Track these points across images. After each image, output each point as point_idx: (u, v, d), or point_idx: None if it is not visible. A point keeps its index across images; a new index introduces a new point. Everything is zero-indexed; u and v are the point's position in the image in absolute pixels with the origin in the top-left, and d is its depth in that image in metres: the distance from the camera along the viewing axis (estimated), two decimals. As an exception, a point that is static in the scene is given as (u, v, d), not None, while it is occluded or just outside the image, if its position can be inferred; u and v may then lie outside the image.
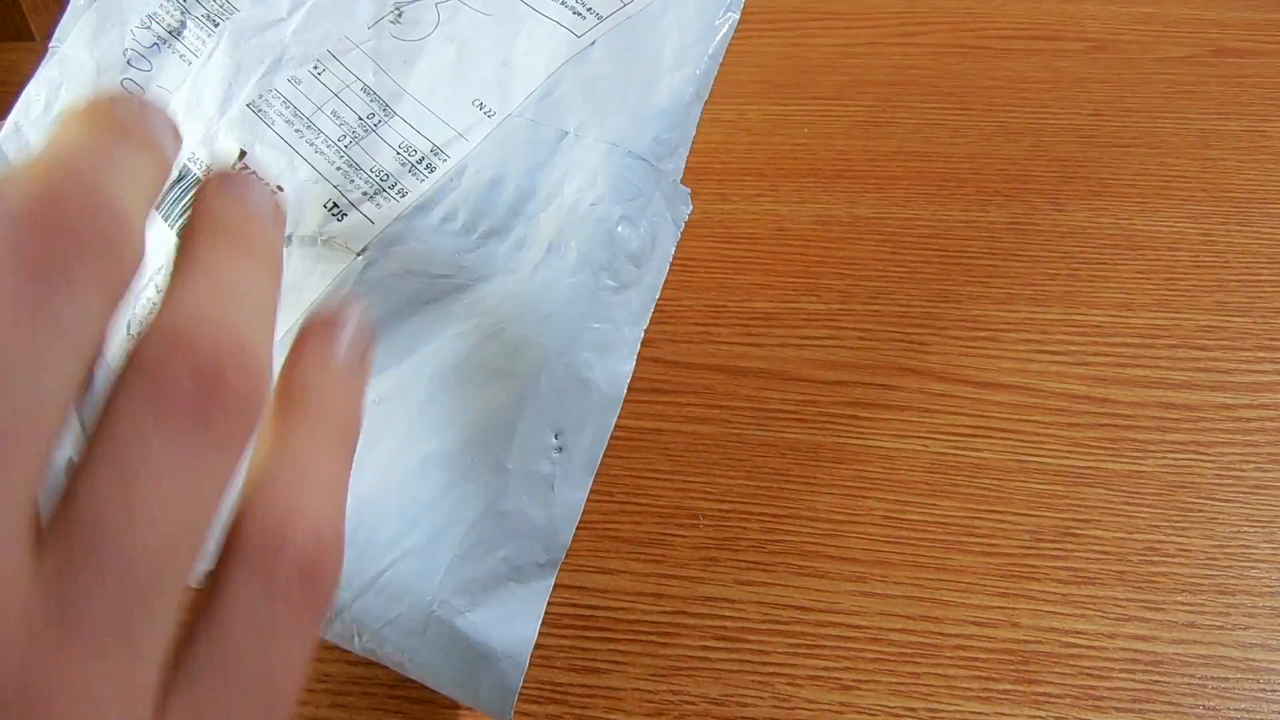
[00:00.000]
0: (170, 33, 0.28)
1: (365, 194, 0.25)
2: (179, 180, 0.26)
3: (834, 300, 0.36)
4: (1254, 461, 0.29)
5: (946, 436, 0.30)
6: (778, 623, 0.25)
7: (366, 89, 0.26)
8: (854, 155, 0.44)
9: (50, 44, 0.29)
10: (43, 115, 0.28)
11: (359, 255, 0.24)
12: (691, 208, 0.25)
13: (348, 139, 0.25)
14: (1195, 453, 0.29)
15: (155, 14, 0.29)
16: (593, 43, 0.26)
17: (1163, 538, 0.27)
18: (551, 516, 0.22)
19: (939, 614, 0.25)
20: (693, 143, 0.30)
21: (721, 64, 0.49)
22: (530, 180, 0.24)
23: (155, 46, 0.28)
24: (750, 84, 0.50)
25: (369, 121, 0.26)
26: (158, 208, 0.26)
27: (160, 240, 0.25)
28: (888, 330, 0.34)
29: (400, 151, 0.25)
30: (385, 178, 0.25)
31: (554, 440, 0.22)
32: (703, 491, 0.28)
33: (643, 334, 0.24)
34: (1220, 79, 0.49)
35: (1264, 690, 0.23)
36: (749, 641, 0.25)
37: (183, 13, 0.29)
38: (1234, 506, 0.28)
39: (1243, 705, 0.23)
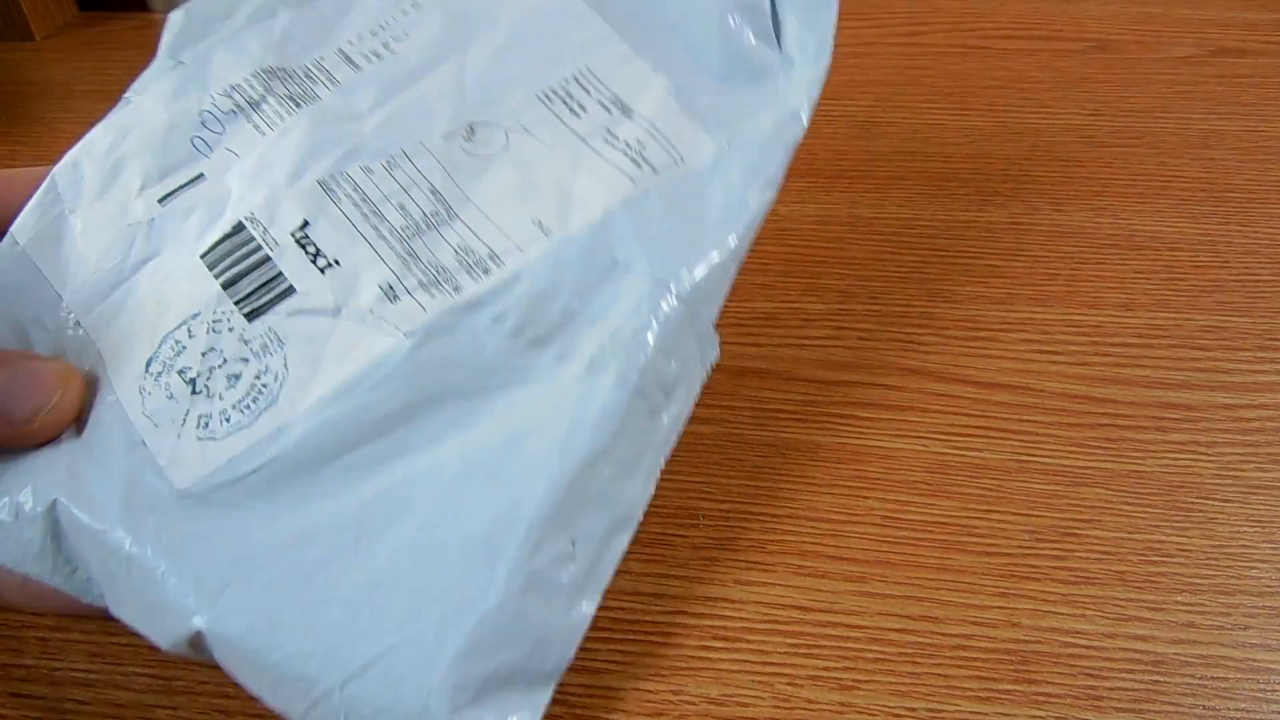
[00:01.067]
0: (250, 104, 0.29)
1: (421, 283, 0.25)
2: (233, 234, 0.26)
3: (834, 300, 0.36)
4: (1254, 461, 0.29)
5: (946, 436, 0.30)
6: (778, 623, 0.25)
7: (434, 190, 0.27)
8: (854, 155, 0.44)
9: (126, 94, 0.30)
10: (105, 156, 0.28)
11: (407, 337, 0.24)
12: (719, 354, 0.26)
13: (410, 230, 0.26)
14: (1195, 453, 0.29)
15: (239, 85, 0.30)
16: (647, 191, 0.27)
17: (1163, 538, 0.27)
18: (560, 626, 0.22)
19: (939, 614, 0.25)
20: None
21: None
22: (579, 300, 0.25)
23: (232, 114, 0.29)
24: (750, 84, 0.50)
25: (432, 219, 0.27)
26: (204, 255, 0.26)
27: (200, 289, 0.25)
28: (888, 330, 0.34)
29: (459, 251, 0.26)
30: (442, 271, 0.26)
31: (571, 549, 0.22)
32: (703, 491, 0.28)
33: (664, 464, 0.24)
34: (1220, 79, 0.49)
35: (1264, 690, 0.23)
36: (749, 641, 0.25)
37: (266, 89, 0.30)
38: (1234, 506, 0.28)
39: (1243, 705, 0.23)
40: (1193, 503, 0.28)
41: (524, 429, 0.24)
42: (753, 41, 0.31)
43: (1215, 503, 0.28)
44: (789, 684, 0.24)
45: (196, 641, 0.21)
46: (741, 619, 0.25)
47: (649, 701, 0.24)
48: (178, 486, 0.23)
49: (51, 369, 0.24)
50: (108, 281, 0.26)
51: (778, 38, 0.31)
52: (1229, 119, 0.45)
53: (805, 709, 0.23)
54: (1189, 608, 0.25)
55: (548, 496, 0.23)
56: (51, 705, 0.24)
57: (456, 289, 0.25)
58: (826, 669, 0.24)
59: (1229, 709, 0.23)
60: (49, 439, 0.24)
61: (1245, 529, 0.27)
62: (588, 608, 0.22)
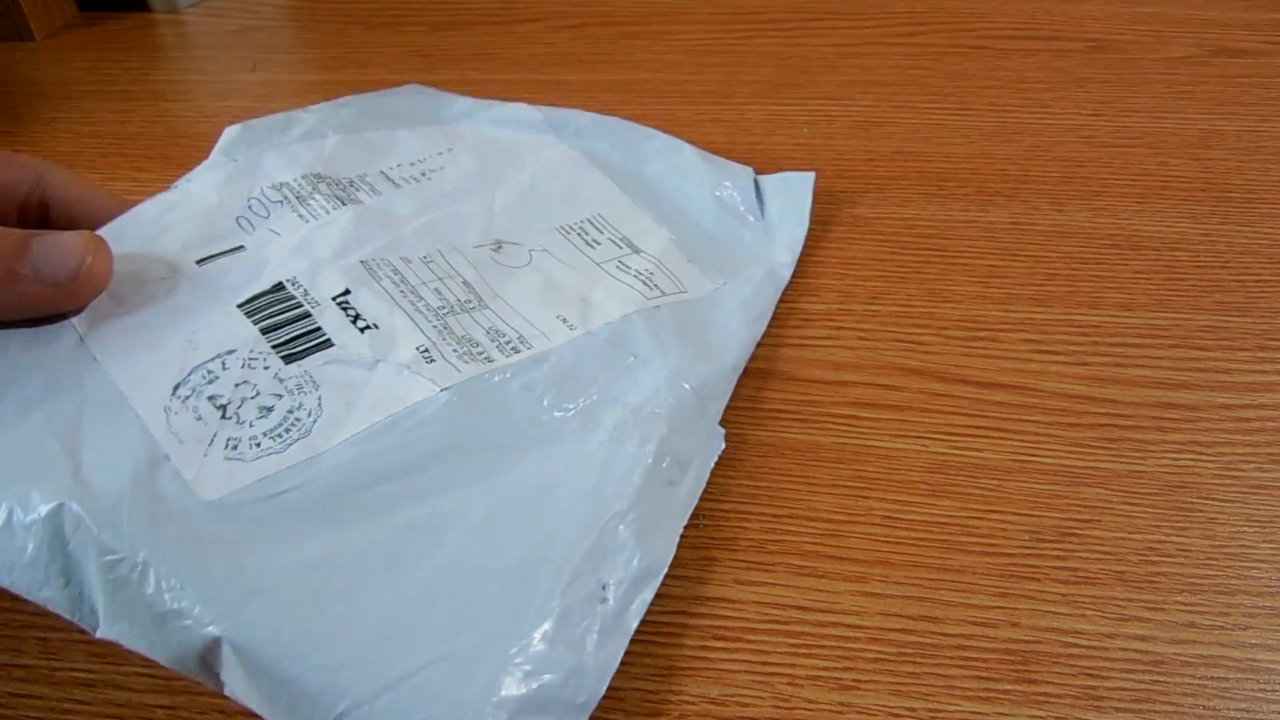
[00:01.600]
0: (296, 197, 0.33)
1: (455, 351, 0.28)
2: (273, 290, 0.28)
3: (834, 300, 0.36)
4: (1254, 461, 0.29)
5: (946, 436, 0.30)
6: (778, 623, 0.25)
7: (466, 283, 0.31)
8: (854, 155, 0.44)
9: (176, 182, 0.33)
10: (151, 223, 0.30)
11: (443, 390, 0.26)
12: (724, 446, 0.28)
13: (446, 310, 0.29)
14: (1195, 453, 0.29)
15: (287, 183, 0.33)
16: (659, 305, 0.31)
17: (1163, 538, 0.27)
18: (593, 663, 0.22)
19: (939, 614, 0.25)
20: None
21: (722, 63, 0.50)
22: (601, 382, 0.28)
23: (279, 203, 0.32)
24: (750, 84, 0.50)
25: (465, 305, 0.30)
26: (241, 304, 0.28)
27: (237, 331, 0.27)
28: (888, 330, 0.34)
29: (490, 332, 0.29)
30: (475, 344, 0.28)
31: (602, 591, 0.23)
32: (703, 491, 0.28)
33: (682, 530, 0.26)
34: (1220, 79, 0.49)
35: (1264, 690, 0.23)
36: (749, 641, 0.25)
37: (313, 188, 0.33)
38: (1234, 506, 0.28)
39: (1243, 705, 0.23)
40: (1193, 503, 0.28)
41: (554, 481, 0.25)
42: (740, 212, 0.37)
43: (1215, 503, 0.28)
44: (789, 684, 0.24)
45: (208, 654, 0.21)
46: (741, 619, 0.25)
47: (649, 701, 0.24)
48: (205, 498, 0.23)
49: (77, 237, 0.26)
50: (130, 321, 0.27)
51: (761, 209, 0.38)
52: (1229, 119, 0.45)
53: (805, 709, 0.23)
54: (1189, 608, 0.25)
55: (579, 538, 0.24)
56: (52, 705, 0.24)
57: (489, 359, 0.28)
58: (826, 669, 0.24)
59: (1229, 709, 0.23)
60: (89, 300, 0.27)
61: (1245, 529, 0.27)
62: (617, 649, 0.23)
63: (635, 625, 0.23)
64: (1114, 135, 0.45)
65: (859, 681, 0.24)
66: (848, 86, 0.50)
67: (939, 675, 0.24)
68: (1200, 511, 0.27)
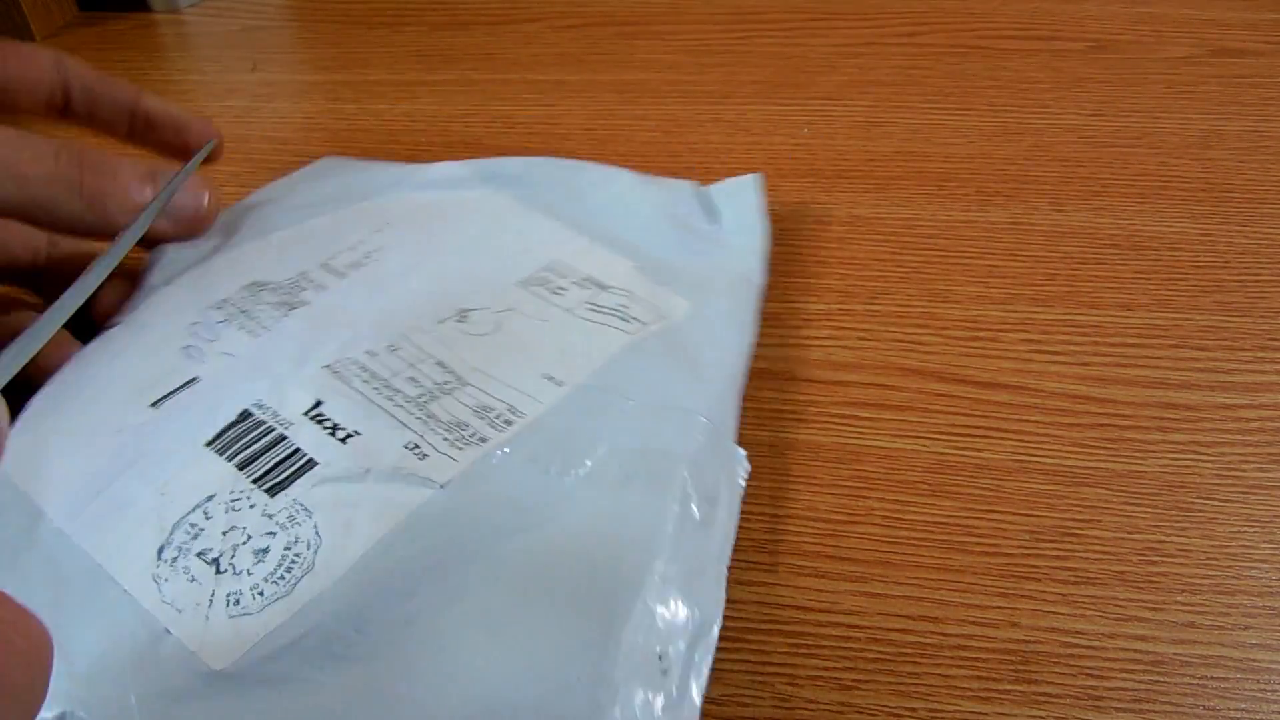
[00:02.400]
0: (241, 312, 0.31)
1: (446, 440, 0.26)
2: (239, 420, 0.27)
3: (834, 300, 0.36)
4: (1254, 461, 0.29)
5: (946, 436, 0.30)
6: (778, 623, 0.25)
7: (440, 363, 0.29)
8: (854, 155, 0.44)
9: (105, 324, 0.31)
10: (92, 372, 0.29)
11: (442, 488, 0.25)
12: (749, 468, 0.27)
13: (426, 397, 0.28)
14: (1195, 453, 0.29)
15: (228, 299, 0.32)
16: (644, 338, 0.30)
17: (1163, 538, 0.27)
18: None
19: (939, 614, 0.25)
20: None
21: (722, 63, 0.50)
22: (603, 433, 0.26)
23: (223, 323, 0.31)
24: (750, 84, 0.50)
25: (444, 386, 0.28)
26: (209, 443, 0.26)
27: (210, 473, 0.25)
28: (888, 330, 0.34)
29: (478, 410, 0.27)
30: (464, 427, 0.27)
31: (660, 661, 0.22)
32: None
33: (727, 571, 0.25)
34: (1220, 79, 0.49)
35: (1264, 690, 0.23)
36: (749, 641, 0.25)
37: (254, 299, 0.31)
38: (1234, 506, 0.28)
39: (1243, 705, 0.23)
40: (1193, 503, 0.28)
41: (584, 551, 0.24)
42: (695, 227, 0.36)
43: (1215, 503, 0.28)
44: (789, 684, 0.24)
45: None
46: (741, 619, 0.25)
47: (649, 701, 0.24)
48: (216, 669, 0.21)
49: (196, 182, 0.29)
50: (93, 487, 0.25)
51: (716, 220, 0.36)
52: (1229, 119, 0.45)
53: (805, 709, 0.23)
54: (1189, 608, 0.25)
55: (623, 610, 0.22)
56: (52, 705, 0.24)
57: (482, 439, 0.26)
58: (826, 669, 0.24)
59: (1229, 709, 0.23)
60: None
61: (1245, 529, 0.27)
62: (695, 701, 0.21)
63: (702, 690, 0.22)
64: (1114, 135, 0.44)
65: (859, 681, 0.24)
66: (848, 86, 0.50)
67: (939, 675, 0.24)
68: (1200, 511, 0.27)
